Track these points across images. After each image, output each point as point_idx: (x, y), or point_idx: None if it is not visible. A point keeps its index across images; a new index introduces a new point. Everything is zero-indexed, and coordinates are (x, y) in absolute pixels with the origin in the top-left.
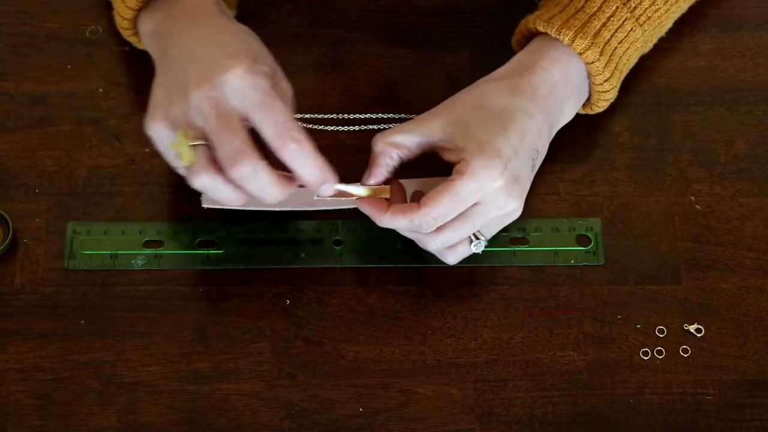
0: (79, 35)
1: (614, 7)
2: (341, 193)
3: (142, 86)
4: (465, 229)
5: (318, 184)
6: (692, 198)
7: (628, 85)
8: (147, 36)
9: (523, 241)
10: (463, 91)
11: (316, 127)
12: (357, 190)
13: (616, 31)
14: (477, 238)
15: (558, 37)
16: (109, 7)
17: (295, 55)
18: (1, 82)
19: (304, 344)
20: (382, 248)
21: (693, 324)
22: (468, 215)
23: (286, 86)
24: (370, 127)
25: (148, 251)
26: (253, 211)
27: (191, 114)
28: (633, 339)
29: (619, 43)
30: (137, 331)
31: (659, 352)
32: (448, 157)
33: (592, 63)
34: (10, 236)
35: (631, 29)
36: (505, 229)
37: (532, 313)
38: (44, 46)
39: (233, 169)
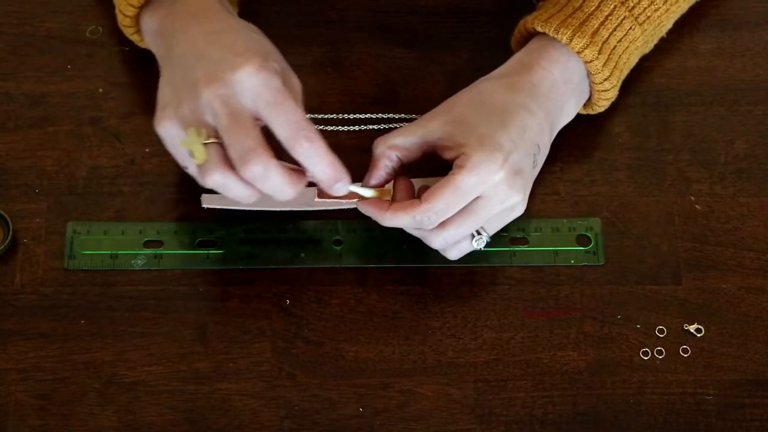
0: (79, 35)
1: (612, 6)
2: (348, 194)
3: (142, 86)
4: (469, 225)
5: (331, 182)
6: (692, 198)
7: (628, 85)
8: (149, 34)
9: (523, 241)
10: (461, 91)
11: (316, 127)
12: (368, 192)
13: (614, 29)
14: (479, 234)
15: (556, 36)
16: (111, 6)
17: (295, 55)
18: (1, 82)
19: (304, 344)
20: (382, 248)
21: (693, 324)
22: (471, 210)
23: (295, 82)
24: (370, 127)
25: (148, 251)
26: (253, 211)
27: (202, 112)
28: (633, 339)
29: (618, 42)
30: (137, 331)
31: (659, 352)
32: (449, 155)
33: (590, 62)
34: (10, 236)
35: (630, 28)
36: (505, 229)
37: (532, 313)
38: (44, 46)
39: (245, 169)
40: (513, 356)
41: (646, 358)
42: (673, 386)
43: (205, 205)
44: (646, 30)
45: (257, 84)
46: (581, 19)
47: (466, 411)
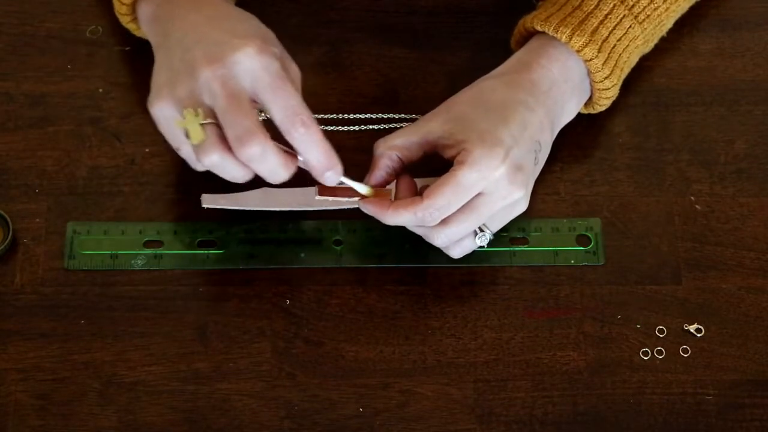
0: (79, 35)
1: (611, 5)
2: (342, 192)
3: (142, 86)
4: (471, 222)
5: (323, 169)
6: (692, 198)
7: (628, 85)
8: (146, 20)
9: (523, 241)
10: (461, 90)
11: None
12: (361, 188)
13: (614, 28)
14: (481, 231)
15: (556, 35)
16: (110, 5)
17: (295, 55)
18: (1, 82)
19: (304, 344)
20: (382, 248)
21: (693, 324)
22: (473, 206)
23: (294, 69)
24: (370, 127)
25: (148, 251)
26: (253, 211)
27: (200, 93)
28: (633, 339)
29: (618, 40)
30: (137, 331)
31: (659, 352)
32: (450, 153)
33: (590, 60)
34: (10, 236)
35: (630, 27)
36: (505, 229)
37: (532, 313)
38: (44, 46)
39: (242, 149)
40: (513, 356)
41: (646, 358)
42: (673, 386)
43: (205, 205)
44: (646, 29)
45: (257, 66)
46: (580, 18)
47: (466, 411)
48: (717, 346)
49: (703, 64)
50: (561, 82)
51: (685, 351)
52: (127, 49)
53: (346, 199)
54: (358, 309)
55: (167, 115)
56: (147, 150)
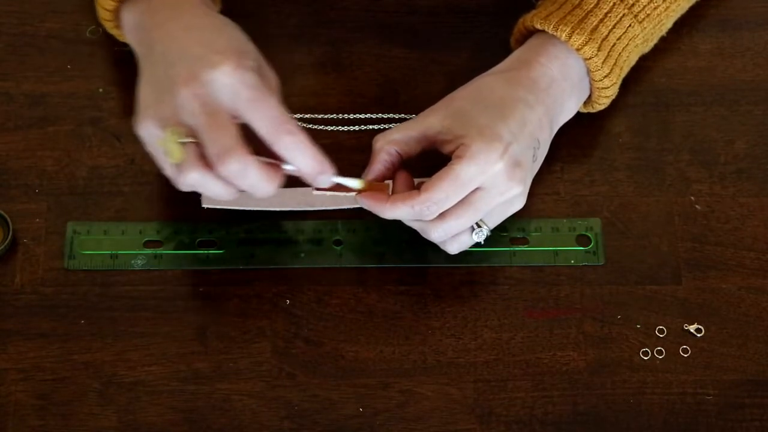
0: (79, 35)
1: (611, 4)
2: (340, 187)
3: None
4: (468, 217)
5: (314, 174)
6: (692, 198)
7: (628, 85)
8: (129, 29)
9: (523, 241)
10: (460, 87)
11: (316, 127)
12: (354, 183)
13: (614, 27)
14: (479, 227)
15: (555, 33)
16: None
17: (295, 55)
18: (1, 82)
19: (304, 344)
20: (382, 248)
21: (693, 324)
22: (470, 201)
23: (272, 77)
24: (370, 127)
25: (148, 251)
26: (253, 211)
27: (180, 112)
28: (633, 339)
29: (617, 39)
30: (137, 331)
31: (659, 352)
32: (448, 148)
33: (590, 59)
34: (10, 236)
35: (630, 25)
36: (505, 229)
37: (532, 313)
38: (44, 46)
39: (222, 166)
40: (513, 356)
41: (646, 358)
42: (673, 386)
43: (205, 205)
44: (645, 28)
45: (234, 82)
46: (580, 17)
47: (466, 411)
48: (717, 346)
49: (703, 64)
50: (560, 80)
51: (685, 351)
52: (127, 49)
53: (344, 193)
54: (358, 309)
55: (152, 134)
56: (147, 150)
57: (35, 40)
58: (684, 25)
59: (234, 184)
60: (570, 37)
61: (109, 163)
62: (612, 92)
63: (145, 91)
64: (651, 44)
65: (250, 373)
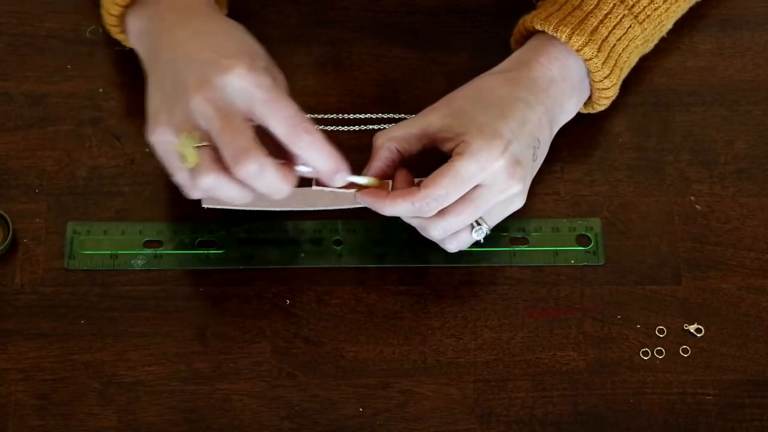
0: (79, 35)
1: (611, 5)
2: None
3: (142, 86)
4: (468, 214)
5: (331, 174)
6: (692, 198)
7: (628, 85)
8: (135, 35)
9: (523, 241)
10: (460, 87)
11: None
12: (367, 181)
13: (614, 28)
14: (478, 225)
15: (555, 34)
16: (98, 5)
17: (295, 55)
18: (1, 82)
19: (304, 344)
20: (382, 248)
21: (693, 324)
22: (470, 199)
23: (281, 78)
24: (370, 127)
25: (148, 251)
26: (253, 211)
27: (193, 117)
28: (633, 339)
29: (617, 40)
30: (137, 331)
31: (659, 352)
32: (448, 146)
33: (590, 59)
34: (10, 236)
35: (630, 26)
36: (505, 229)
37: (532, 313)
38: (44, 46)
39: (239, 168)
40: (513, 356)
41: (646, 358)
42: (673, 386)
43: (205, 205)
44: (646, 29)
45: (249, 85)
46: (580, 18)
47: (466, 411)
48: (717, 346)
49: (703, 64)
50: (560, 80)
51: (685, 351)
52: (127, 49)
53: (343, 190)
54: (358, 309)
55: (166, 140)
56: (147, 150)
57: (35, 40)
58: (684, 25)
59: (250, 186)
60: (570, 38)
61: (109, 163)
62: (612, 93)
63: (154, 99)
64: (651, 45)
65: (250, 373)
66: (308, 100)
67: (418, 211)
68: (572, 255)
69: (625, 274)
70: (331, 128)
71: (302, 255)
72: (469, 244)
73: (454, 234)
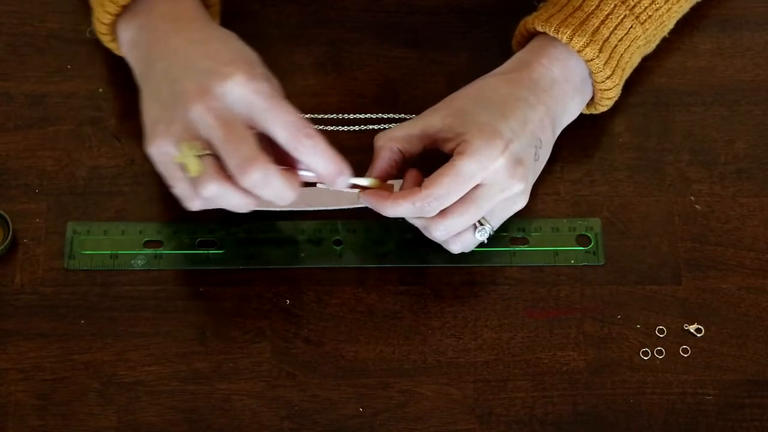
0: (79, 35)
1: (612, 6)
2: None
3: None
4: (470, 214)
5: (334, 177)
6: (692, 198)
7: (628, 85)
8: (126, 44)
9: (523, 241)
10: (462, 88)
11: (316, 127)
12: (365, 182)
13: (615, 28)
14: (481, 225)
15: (556, 35)
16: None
17: (295, 55)
18: (1, 82)
19: (304, 344)
20: (382, 248)
21: (693, 324)
22: (472, 198)
23: (277, 84)
24: (370, 127)
25: (148, 251)
26: (253, 211)
27: (194, 126)
28: (633, 339)
29: (619, 40)
30: (137, 331)
31: (659, 352)
32: (449, 146)
33: (591, 60)
34: (10, 236)
35: (631, 27)
36: (505, 229)
37: (532, 313)
38: (44, 46)
39: (245, 177)
40: (513, 356)
41: (646, 358)
42: (673, 386)
43: None
44: (647, 29)
45: (248, 92)
46: (581, 18)
47: (466, 411)
48: (717, 346)
49: (703, 64)
50: (562, 81)
51: (685, 351)
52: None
53: (347, 189)
54: (358, 309)
55: (165, 152)
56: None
57: (35, 40)
58: (684, 25)
59: (255, 194)
60: (571, 39)
61: (109, 163)
62: (615, 94)
63: (151, 109)
64: (653, 45)
65: (250, 373)
66: (308, 100)
67: (420, 212)
68: (572, 255)
69: (625, 274)
70: (331, 128)
71: (302, 255)
72: (473, 246)
73: (458, 235)
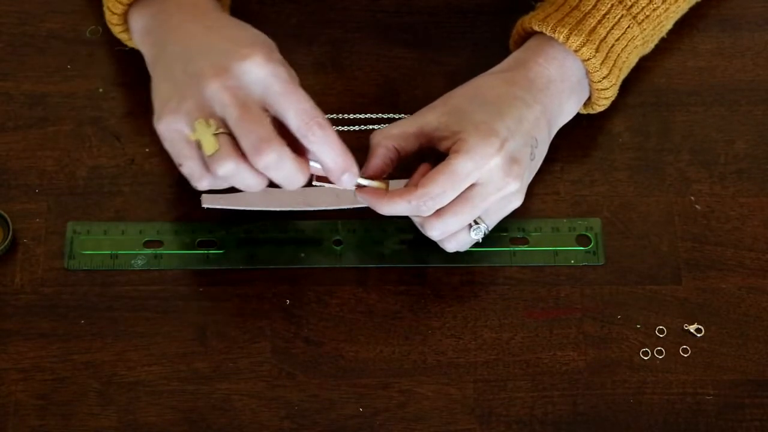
0: (79, 35)
1: (609, 5)
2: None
3: (142, 86)
4: (466, 213)
5: (341, 171)
6: (692, 198)
7: (628, 85)
8: (138, 32)
9: (523, 241)
10: (458, 87)
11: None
12: (373, 185)
13: (612, 28)
14: (476, 224)
15: (553, 35)
16: (100, 3)
17: (295, 55)
18: (1, 82)
19: (304, 344)
20: (382, 248)
21: (693, 324)
22: (467, 197)
23: (294, 73)
24: (370, 127)
25: (148, 251)
26: (253, 211)
27: (209, 104)
28: (633, 339)
29: (616, 40)
30: (137, 331)
31: (659, 352)
32: (445, 145)
33: (588, 60)
34: (10, 236)
35: (629, 27)
36: (505, 229)
37: (532, 313)
38: (44, 46)
39: (259, 157)
40: (513, 356)
41: (646, 358)
42: (673, 386)
43: (205, 205)
44: (645, 29)
45: (266, 74)
46: (578, 18)
47: (466, 411)
48: (717, 346)
49: (703, 64)
50: (558, 80)
51: (685, 351)
52: (127, 49)
53: (343, 187)
54: (358, 309)
55: (176, 128)
56: (147, 150)
57: (35, 40)
58: (684, 25)
59: (268, 175)
60: (568, 39)
61: (109, 163)
62: (611, 93)
63: (162, 89)
64: (651, 45)
65: (250, 373)
66: None
67: (416, 210)
68: (572, 255)
69: (625, 274)
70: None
71: (302, 255)
72: (469, 245)
73: (453, 234)
